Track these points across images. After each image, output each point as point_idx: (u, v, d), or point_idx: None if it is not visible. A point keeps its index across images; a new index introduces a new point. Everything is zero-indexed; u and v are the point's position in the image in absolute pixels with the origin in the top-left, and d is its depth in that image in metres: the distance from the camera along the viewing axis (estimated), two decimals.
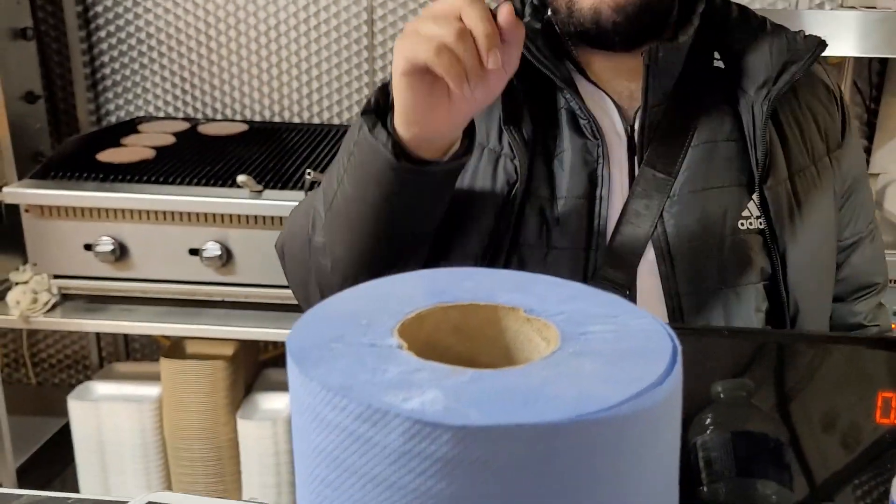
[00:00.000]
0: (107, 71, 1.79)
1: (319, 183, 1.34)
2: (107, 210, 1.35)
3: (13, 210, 1.39)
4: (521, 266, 0.72)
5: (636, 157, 0.74)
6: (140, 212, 1.35)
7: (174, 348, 1.50)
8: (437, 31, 0.54)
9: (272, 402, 1.49)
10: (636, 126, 0.75)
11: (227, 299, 1.41)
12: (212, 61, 1.77)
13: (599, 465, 0.24)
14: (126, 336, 1.86)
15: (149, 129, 1.64)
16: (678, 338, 0.29)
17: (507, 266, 0.72)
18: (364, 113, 0.61)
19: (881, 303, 0.86)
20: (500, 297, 0.31)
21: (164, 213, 1.35)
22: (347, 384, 0.25)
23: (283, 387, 1.53)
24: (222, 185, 1.37)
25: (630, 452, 0.24)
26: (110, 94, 1.81)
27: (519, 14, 0.78)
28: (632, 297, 0.73)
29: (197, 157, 1.48)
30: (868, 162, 1.75)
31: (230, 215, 1.35)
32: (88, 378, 1.67)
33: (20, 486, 1.47)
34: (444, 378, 0.25)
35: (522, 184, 0.71)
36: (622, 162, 0.74)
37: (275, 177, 1.40)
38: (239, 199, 1.34)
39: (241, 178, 1.32)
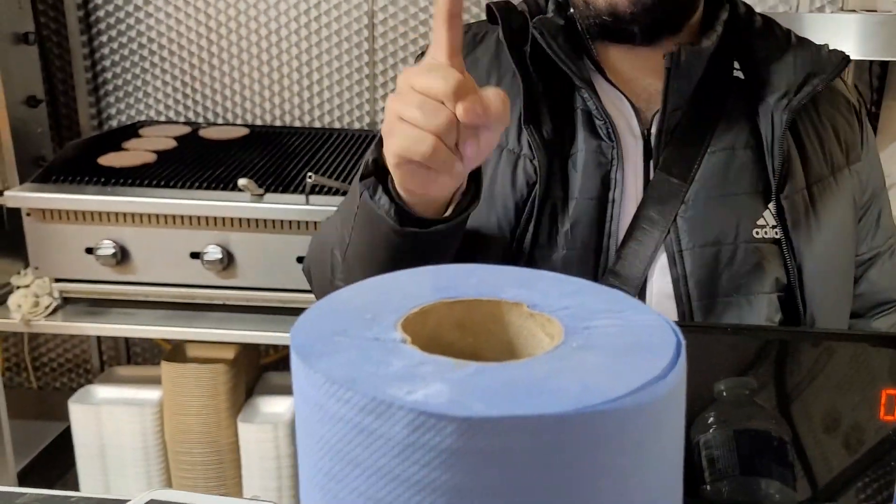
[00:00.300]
0: (108, 75, 1.79)
1: (320, 188, 1.35)
2: (108, 214, 1.35)
3: (15, 214, 1.39)
4: (532, 266, 0.72)
5: (651, 161, 0.74)
6: (141, 215, 1.35)
7: (175, 352, 1.50)
8: (426, 122, 0.51)
9: (273, 406, 1.49)
10: (653, 129, 0.74)
11: (228, 303, 1.41)
12: (213, 65, 1.78)
13: (603, 457, 0.24)
14: (127, 340, 1.86)
15: (150, 133, 1.64)
16: (685, 337, 0.30)
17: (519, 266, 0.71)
18: (363, 177, 0.59)
19: None
20: (504, 292, 0.31)
21: (166, 216, 1.35)
22: (352, 376, 0.25)
23: (284, 390, 1.53)
24: (223, 189, 1.37)
25: (634, 445, 0.24)
26: (112, 99, 1.81)
27: (541, 9, 0.78)
28: (642, 302, 0.72)
29: (198, 161, 1.48)
30: None
31: (231, 219, 1.35)
32: (89, 382, 1.67)
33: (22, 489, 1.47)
34: (448, 371, 0.25)
35: (542, 185, 0.70)
36: (637, 165, 0.74)
37: (276, 180, 1.40)
38: (240, 202, 1.34)
39: (242, 182, 1.33)
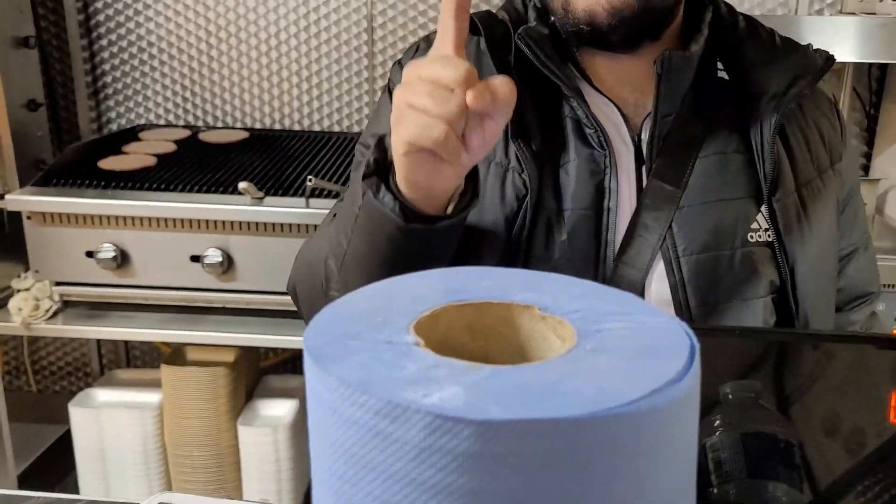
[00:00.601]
0: (108, 79, 1.79)
1: (320, 191, 1.35)
2: (108, 217, 1.35)
3: (15, 217, 1.39)
4: None
5: (644, 168, 0.74)
6: (141, 219, 1.35)
7: (175, 355, 1.50)
8: (437, 109, 0.51)
9: (273, 409, 1.49)
10: (644, 136, 0.74)
11: (227, 306, 1.41)
12: (213, 69, 1.78)
13: (618, 460, 0.24)
14: (127, 343, 1.86)
15: (150, 137, 1.64)
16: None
17: None
18: (365, 177, 0.59)
19: (874, 312, 0.86)
20: (515, 295, 0.31)
21: (166, 220, 1.35)
22: (366, 380, 0.25)
23: (283, 393, 1.53)
24: (223, 192, 1.37)
25: (648, 448, 0.24)
26: (111, 102, 1.81)
27: (522, 17, 0.78)
28: None
29: (198, 165, 1.48)
30: (868, 168, 1.76)
31: (231, 222, 1.35)
32: (89, 385, 1.67)
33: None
34: (462, 374, 0.25)
35: (533, 198, 0.70)
36: (630, 172, 0.74)
37: (276, 184, 1.40)
38: (240, 205, 1.34)
39: (242, 185, 1.33)
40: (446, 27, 0.55)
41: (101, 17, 1.75)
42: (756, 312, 0.73)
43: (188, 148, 1.59)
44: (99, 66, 1.79)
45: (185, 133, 1.68)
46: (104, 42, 1.77)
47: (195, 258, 1.36)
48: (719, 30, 0.76)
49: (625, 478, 0.24)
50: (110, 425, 1.44)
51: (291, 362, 1.80)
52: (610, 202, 0.72)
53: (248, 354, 1.52)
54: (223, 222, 1.35)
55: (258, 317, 1.42)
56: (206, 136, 1.66)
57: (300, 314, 0.80)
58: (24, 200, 1.35)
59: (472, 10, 0.77)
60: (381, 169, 0.60)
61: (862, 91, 1.71)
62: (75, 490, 1.49)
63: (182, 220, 1.35)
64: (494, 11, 0.77)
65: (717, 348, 0.50)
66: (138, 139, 1.62)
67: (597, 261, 0.72)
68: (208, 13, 1.74)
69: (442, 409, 0.23)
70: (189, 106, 1.80)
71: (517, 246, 0.71)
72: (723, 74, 0.77)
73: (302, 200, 1.36)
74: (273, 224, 1.35)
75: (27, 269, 1.41)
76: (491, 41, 0.72)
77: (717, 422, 0.46)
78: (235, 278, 1.37)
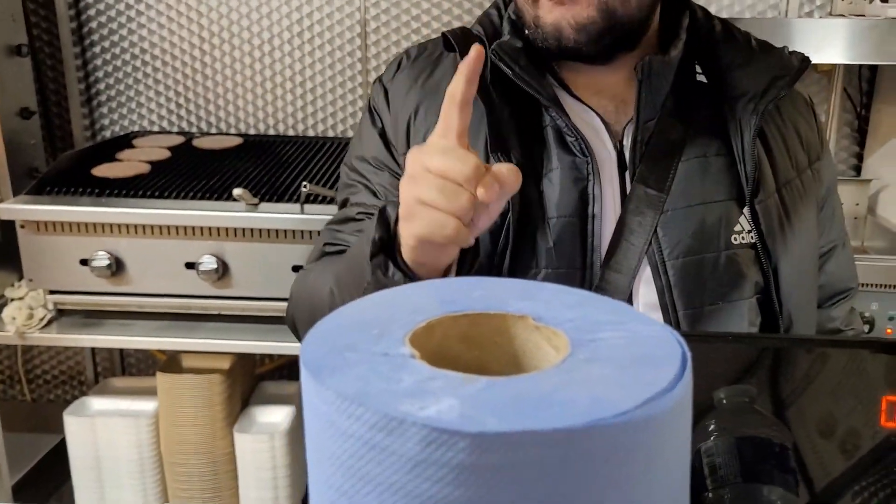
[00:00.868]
0: (101, 86, 1.79)
1: (315, 197, 1.35)
2: (102, 225, 1.35)
3: (9, 226, 1.38)
4: None
5: (627, 173, 0.74)
6: (136, 226, 1.35)
7: (170, 363, 1.49)
8: (448, 206, 0.53)
9: (269, 416, 1.48)
10: (626, 142, 0.74)
11: (223, 313, 1.41)
12: (206, 75, 1.78)
13: (613, 469, 0.24)
14: (122, 351, 1.85)
15: (143, 144, 1.64)
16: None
17: None
18: (373, 256, 0.61)
19: (853, 307, 0.87)
20: (509, 305, 0.32)
21: (160, 227, 1.35)
22: (363, 392, 0.25)
23: (279, 400, 1.52)
24: (218, 199, 1.37)
25: (642, 457, 0.25)
26: (105, 109, 1.81)
27: (497, 30, 0.78)
28: None
29: (192, 171, 1.48)
30: (860, 168, 1.77)
31: (226, 228, 1.35)
32: (84, 394, 1.66)
33: (17, 503, 1.46)
34: (458, 386, 0.26)
35: (515, 212, 0.70)
36: (613, 178, 0.74)
37: (270, 189, 1.40)
38: (235, 212, 1.34)
39: (237, 192, 1.33)
40: (450, 120, 0.56)
41: (93, 25, 1.75)
42: (742, 313, 0.74)
43: (182, 154, 1.58)
44: (92, 74, 1.79)
45: (179, 139, 1.68)
46: (97, 49, 1.77)
47: (190, 265, 1.35)
48: (696, 34, 0.77)
49: (619, 486, 0.24)
50: (105, 434, 1.43)
51: (287, 368, 1.80)
52: (594, 209, 0.72)
53: (244, 361, 1.52)
54: (218, 229, 1.35)
55: (254, 323, 1.42)
56: (199, 143, 1.66)
57: (299, 341, 0.80)
58: (17, 209, 1.35)
59: (446, 29, 0.78)
60: (386, 244, 0.61)
61: (853, 92, 1.72)
62: (71, 500, 1.48)
63: (177, 227, 1.35)
64: (469, 27, 0.78)
65: (711, 353, 0.51)
66: (132, 146, 1.62)
67: (583, 267, 0.72)
68: (201, 20, 1.75)
69: (438, 421, 0.23)
70: (182, 112, 1.80)
71: (503, 257, 0.71)
72: (701, 78, 0.78)
73: (297, 206, 1.36)
74: (268, 230, 1.35)
75: (21, 277, 1.41)
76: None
77: (712, 426, 0.47)
78: (231, 285, 1.37)
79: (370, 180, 0.78)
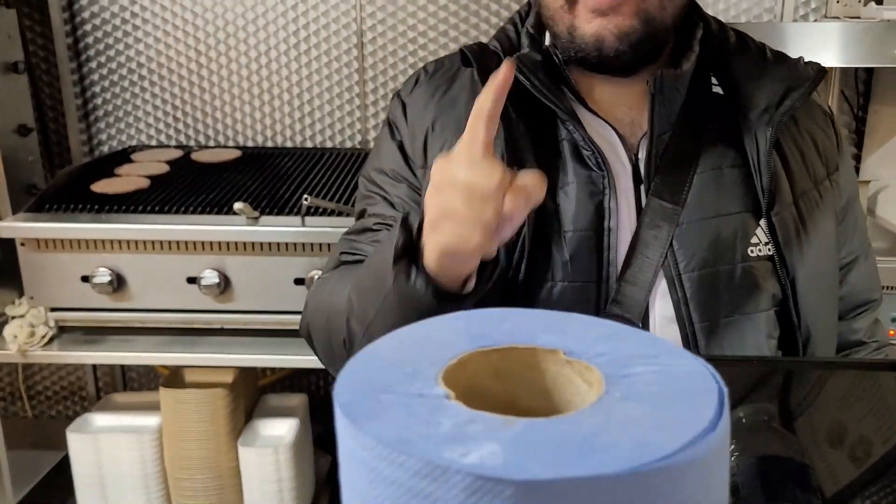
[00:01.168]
0: (98, 101, 1.79)
1: (315, 209, 1.34)
2: (103, 241, 1.34)
3: (9, 244, 1.38)
4: (531, 302, 0.72)
5: (642, 187, 0.74)
6: (137, 242, 1.34)
7: (173, 377, 1.49)
8: (475, 216, 0.54)
9: (273, 429, 1.48)
10: (641, 155, 0.74)
11: (225, 327, 1.41)
12: (203, 88, 1.77)
13: None
14: (123, 366, 1.85)
15: (142, 158, 1.64)
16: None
17: (517, 304, 0.71)
18: (396, 260, 0.61)
19: (877, 319, 0.86)
20: (539, 338, 0.31)
21: (161, 242, 1.34)
22: (404, 439, 0.25)
23: (283, 412, 1.52)
24: (218, 213, 1.37)
25: (686, 497, 0.24)
26: (102, 125, 1.80)
27: (514, 45, 0.78)
28: (645, 327, 0.73)
29: (191, 185, 1.48)
30: (858, 170, 1.77)
31: (227, 243, 1.35)
32: (85, 409, 1.66)
33: None
34: (498, 430, 0.25)
35: (531, 225, 0.70)
36: (628, 192, 0.74)
37: (270, 202, 1.40)
38: (236, 226, 1.34)
39: (237, 206, 1.32)
40: (476, 133, 0.56)
41: (89, 40, 1.75)
42: (759, 326, 0.73)
43: (181, 168, 1.58)
44: (89, 89, 1.78)
45: (178, 153, 1.67)
46: (93, 64, 1.77)
47: (192, 280, 1.35)
48: (710, 46, 0.77)
49: None
50: (109, 450, 1.42)
51: (290, 380, 1.79)
52: (610, 222, 0.72)
53: (247, 374, 1.51)
54: (219, 243, 1.35)
55: (256, 336, 1.41)
56: (198, 156, 1.65)
57: (314, 352, 0.80)
58: (17, 227, 1.34)
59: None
60: (408, 250, 0.61)
61: (850, 94, 1.73)
62: None
63: (178, 242, 1.34)
64: (486, 42, 0.78)
65: (726, 371, 0.51)
66: (130, 161, 1.62)
67: (599, 280, 0.72)
68: (197, 33, 1.74)
69: (482, 468, 0.23)
70: (180, 126, 1.80)
71: (518, 269, 0.71)
72: (717, 89, 0.77)
73: (297, 219, 1.35)
74: (269, 244, 1.35)
75: (21, 295, 1.40)
76: (483, 72, 0.72)
77: (732, 447, 0.47)
78: (233, 299, 1.37)
79: (388, 192, 0.79)
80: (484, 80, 0.72)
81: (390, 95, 1.77)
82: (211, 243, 1.34)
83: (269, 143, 1.81)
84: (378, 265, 0.64)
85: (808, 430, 0.51)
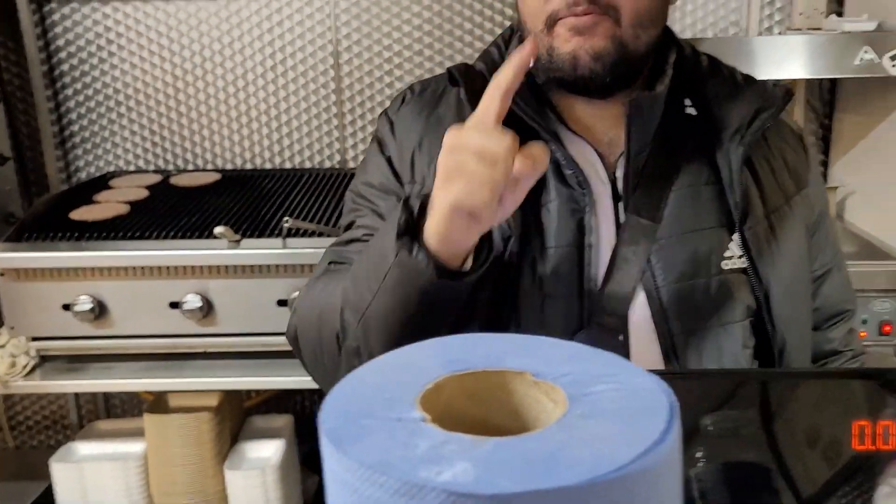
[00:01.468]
0: (75, 128, 1.79)
1: (296, 230, 1.36)
2: (83, 269, 1.34)
3: None
4: (517, 314, 0.74)
5: (621, 204, 0.77)
6: (118, 268, 1.35)
7: (157, 403, 1.49)
8: (486, 175, 0.57)
9: (259, 451, 1.48)
10: (619, 174, 0.77)
11: (209, 350, 1.41)
12: (180, 112, 1.79)
13: None
14: (105, 394, 1.84)
15: (121, 184, 1.64)
16: (671, 383, 0.32)
17: (504, 316, 0.74)
18: (399, 237, 0.64)
19: (852, 328, 0.89)
20: (508, 362, 0.34)
21: (143, 268, 1.35)
22: (384, 461, 0.27)
23: (268, 434, 1.52)
24: (199, 237, 1.38)
25: (642, 502, 0.27)
26: (79, 151, 1.81)
27: (498, 67, 0.81)
28: (626, 340, 0.75)
29: (172, 210, 1.49)
30: (826, 176, 1.82)
31: (209, 267, 1.36)
32: (68, 438, 1.65)
33: None
34: (470, 449, 0.27)
35: (517, 238, 0.73)
36: (608, 209, 0.77)
37: (251, 225, 1.41)
38: (217, 249, 1.35)
39: (218, 230, 1.34)
40: (491, 105, 0.60)
41: (64, 67, 1.76)
42: (735, 336, 0.76)
43: (160, 193, 1.59)
44: (65, 116, 1.79)
45: (157, 178, 1.68)
46: (69, 91, 1.77)
47: (174, 304, 1.36)
48: (684, 69, 0.81)
49: None
50: (93, 479, 1.42)
51: (275, 401, 1.80)
52: (591, 238, 0.75)
53: (231, 397, 1.52)
54: (201, 267, 1.36)
55: (240, 359, 1.42)
56: (177, 180, 1.66)
57: (299, 358, 0.81)
58: None
59: (451, 64, 0.82)
60: (409, 229, 0.64)
61: (815, 103, 1.78)
62: None
63: (159, 268, 1.35)
64: (472, 63, 0.81)
65: (698, 381, 0.53)
66: (109, 187, 1.62)
67: (581, 295, 0.75)
68: (173, 57, 1.76)
69: (455, 485, 0.25)
70: (158, 150, 1.81)
71: (506, 286, 0.73)
72: (691, 110, 0.81)
73: (279, 241, 1.37)
74: (251, 266, 1.36)
75: (2, 325, 1.40)
76: (470, 92, 0.76)
77: (700, 454, 0.49)
78: (216, 322, 1.38)
79: (377, 204, 0.81)
80: (470, 100, 0.76)
81: (368, 115, 1.80)
82: (192, 268, 1.35)
83: (249, 166, 1.83)
84: (378, 246, 0.67)
85: (783, 434, 0.53)
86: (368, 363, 0.34)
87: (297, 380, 1.37)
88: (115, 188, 1.62)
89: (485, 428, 0.29)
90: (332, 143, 1.82)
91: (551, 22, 0.72)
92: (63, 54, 1.75)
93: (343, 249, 0.81)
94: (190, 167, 1.81)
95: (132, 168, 1.81)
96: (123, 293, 1.36)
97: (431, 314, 0.66)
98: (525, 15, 0.75)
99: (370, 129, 1.78)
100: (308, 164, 1.83)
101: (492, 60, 0.81)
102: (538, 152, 0.59)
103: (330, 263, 0.81)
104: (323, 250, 0.85)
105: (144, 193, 1.57)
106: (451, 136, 0.60)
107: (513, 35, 0.83)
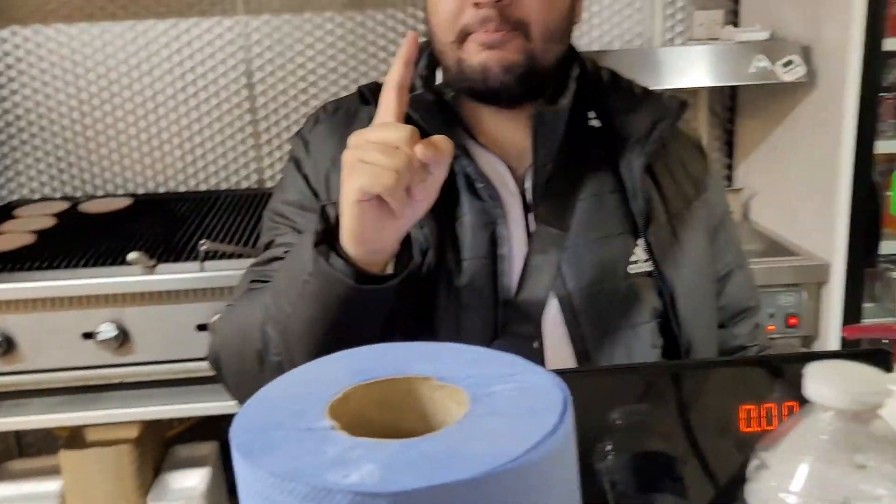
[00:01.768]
0: None
1: (213, 253, 1.34)
2: None
3: None
4: (433, 326, 0.76)
5: (530, 214, 0.80)
6: (25, 301, 1.30)
7: (73, 438, 1.43)
8: (387, 161, 0.58)
9: (184, 481, 1.45)
10: (528, 185, 0.80)
11: (126, 381, 1.37)
12: (87, 137, 1.74)
13: None
14: (17, 432, 1.76)
15: (26, 213, 1.58)
16: (578, 380, 0.35)
17: (422, 328, 0.75)
18: (316, 245, 0.64)
19: (758, 324, 0.94)
20: (414, 368, 0.35)
21: (52, 299, 1.30)
22: (293, 468, 0.27)
23: (193, 462, 1.49)
24: (112, 264, 1.34)
25: (538, 493, 0.28)
26: None
27: (411, 87, 0.83)
28: (540, 346, 0.78)
29: (82, 237, 1.45)
30: (731, 178, 1.92)
31: (123, 294, 1.32)
32: None
33: None
34: (375, 451, 0.29)
35: (434, 250, 0.75)
36: (518, 220, 0.80)
37: (166, 249, 1.39)
38: (131, 276, 1.32)
39: (132, 256, 1.30)
40: (388, 103, 0.63)
41: None
42: (643, 337, 0.80)
43: (69, 221, 1.54)
44: None
45: (65, 205, 1.63)
46: None
47: (88, 335, 1.32)
48: (587, 83, 0.85)
49: None
50: None
51: (199, 428, 1.75)
52: (503, 249, 0.78)
53: (152, 428, 1.48)
54: (115, 295, 1.32)
55: (160, 388, 1.39)
56: (87, 207, 1.61)
57: (222, 381, 0.80)
58: None
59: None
60: (327, 236, 0.65)
61: (718, 109, 1.88)
62: None
63: (70, 298, 1.31)
64: (382, 82, 0.82)
65: (608, 378, 0.56)
66: (13, 217, 1.56)
67: (496, 305, 0.77)
68: (78, 81, 1.71)
69: (361, 486, 0.26)
70: (66, 176, 1.75)
71: (422, 298, 0.75)
72: (594, 122, 0.85)
73: (196, 265, 1.35)
74: (168, 292, 1.33)
75: None
76: None
77: (609, 447, 0.52)
78: (132, 351, 1.34)
79: (296, 222, 0.82)
80: None
81: (284, 134, 1.79)
82: (106, 296, 1.31)
83: (162, 189, 1.79)
84: (297, 258, 0.67)
85: (696, 424, 0.56)
86: (278, 378, 0.35)
87: (221, 405, 1.35)
88: (20, 217, 1.56)
89: (395, 433, 0.30)
90: (249, 164, 1.81)
91: (462, 36, 0.74)
92: None
93: (263, 269, 0.81)
94: (100, 193, 1.76)
95: (37, 196, 1.75)
96: (32, 326, 1.31)
97: (353, 324, 0.66)
98: (435, 27, 0.78)
99: (287, 147, 1.77)
100: (224, 186, 1.81)
101: None
102: (440, 140, 0.60)
103: (251, 282, 0.81)
104: (242, 272, 0.85)
105: (52, 222, 1.52)
106: (353, 136, 0.62)
107: (422, 52, 0.85)
